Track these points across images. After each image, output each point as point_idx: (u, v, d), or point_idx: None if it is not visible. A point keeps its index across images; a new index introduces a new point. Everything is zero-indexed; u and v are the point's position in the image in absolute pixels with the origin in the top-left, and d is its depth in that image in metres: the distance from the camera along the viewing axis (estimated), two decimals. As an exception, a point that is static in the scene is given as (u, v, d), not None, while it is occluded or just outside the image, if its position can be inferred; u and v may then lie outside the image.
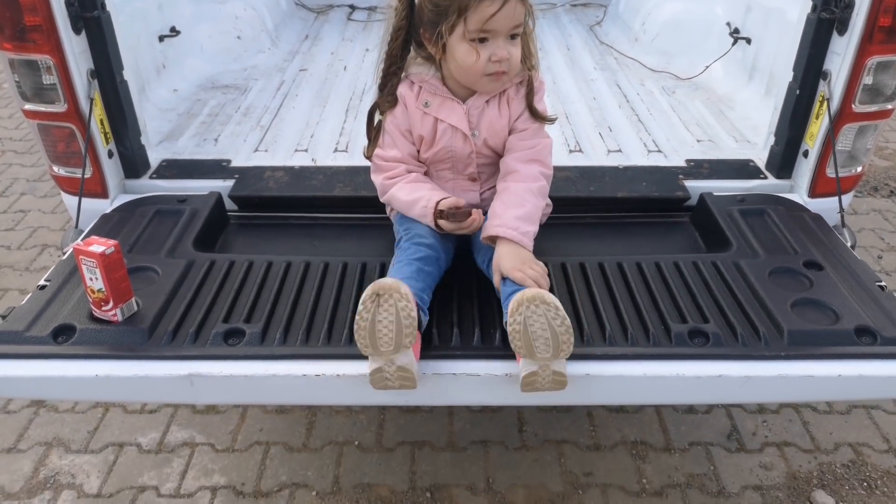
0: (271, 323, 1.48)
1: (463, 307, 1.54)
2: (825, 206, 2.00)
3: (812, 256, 1.69)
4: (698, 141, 2.33)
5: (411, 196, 1.59)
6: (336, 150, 2.27)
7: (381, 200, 1.69)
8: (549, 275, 1.45)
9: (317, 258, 1.72)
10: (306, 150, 2.27)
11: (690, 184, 2.06)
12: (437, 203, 1.55)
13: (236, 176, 2.09)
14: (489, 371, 1.38)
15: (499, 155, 1.66)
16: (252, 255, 1.75)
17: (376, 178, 1.67)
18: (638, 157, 2.24)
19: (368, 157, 1.70)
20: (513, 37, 1.47)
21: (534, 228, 1.53)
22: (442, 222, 1.54)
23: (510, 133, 1.63)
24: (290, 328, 1.46)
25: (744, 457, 2.16)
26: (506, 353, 1.40)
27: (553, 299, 1.26)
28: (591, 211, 2.03)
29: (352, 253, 1.83)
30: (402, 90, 1.61)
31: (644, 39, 3.09)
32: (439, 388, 1.38)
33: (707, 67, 2.79)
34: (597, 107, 2.61)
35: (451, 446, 2.19)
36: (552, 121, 1.65)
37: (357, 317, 1.27)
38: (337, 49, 3.26)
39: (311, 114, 2.55)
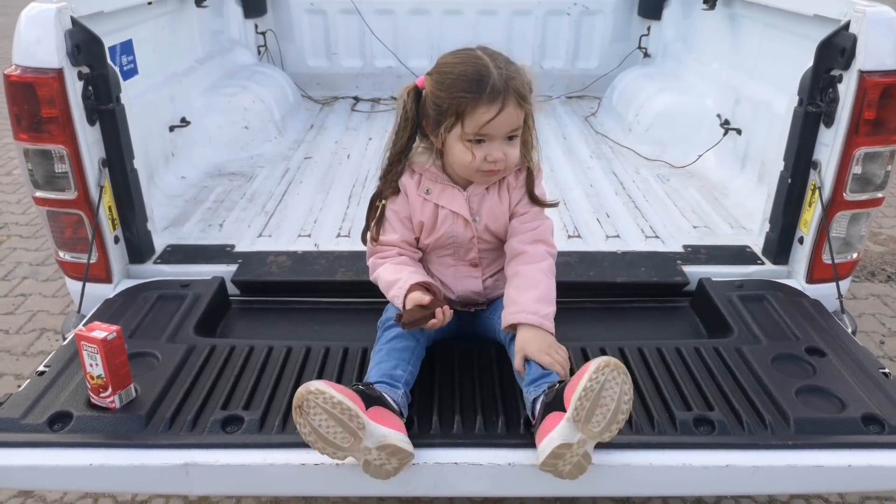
0: (270, 410, 1.46)
1: (465, 393, 1.53)
2: (824, 292, 2.01)
3: (814, 343, 1.69)
4: (694, 227, 2.38)
5: (392, 276, 1.61)
6: (339, 236, 2.31)
7: (371, 279, 1.71)
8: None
9: (318, 343, 1.72)
10: (309, 236, 2.31)
11: (689, 269, 2.08)
12: (409, 289, 1.55)
13: (239, 261, 2.11)
14: (492, 460, 1.35)
15: (500, 241, 1.69)
16: (253, 339, 1.75)
17: (369, 259, 1.71)
18: (636, 242, 2.27)
19: (364, 241, 1.74)
20: (510, 137, 1.52)
21: (552, 309, 1.55)
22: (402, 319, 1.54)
23: (511, 217, 1.67)
24: (289, 415, 1.44)
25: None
26: (508, 441, 1.38)
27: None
28: (592, 296, 2.04)
29: (353, 337, 1.82)
30: (404, 179, 1.66)
31: (638, 130, 3.19)
32: (439, 477, 1.35)
33: (700, 156, 2.87)
34: (594, 193, 2.67)
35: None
36: (553, 205, 1.69)
37: (303, 437, 1.27)
38: (341, 138, 3.37)
39: (314, 200, 2.61)
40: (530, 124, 1.58)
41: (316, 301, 2.03)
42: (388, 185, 1.66)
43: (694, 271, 2.08)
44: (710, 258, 2.15)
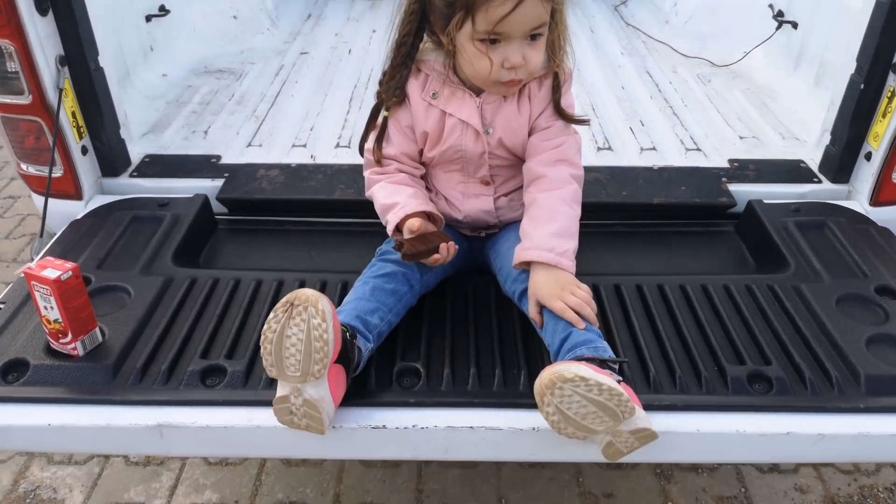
0: (257, 359, 1.26)
1: (481, 341, 1.32)
2: (888, 217, 1.76)
3: (885, 281, 1.45)
4: (741, 138, 2.09)
5: (388, 199, 1.38)
6: (338, 146, 2.04)
7: (366, 196, 1.48)
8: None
9: (313, 275, 1.51)
10: (305, 146, 2.04)
11: (735, 188, 1.83)
12: (406, 218, 1.33)
13: (226, 175, 1.87)
14: (513, 423, 1.16)
15: (517, 157, 1.43)
16: (240, 270, 1.54)
17: (365, 173, 1.48)
18: (674, 156, 2.00)
19: (361, 151, 1.50)
20: (533, 37, 1.24)
21: (572, 245, 1.31)
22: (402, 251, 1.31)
23: (531, 133, 1.40)
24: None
25: (777, 478, 1.95)
26: (532, 401, 1.19)
27: (575, 371, 1.03)
28: (623, 218, 1.80)
29: (353, 266, 1.59)
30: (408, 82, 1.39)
31: (675, 22, 2.82)
32: (452, 442, 1.17)
33: (746, 54, 2.53)
34: (626, 97, 2.37)
35: (461, 463, 1.98)
36: (584, 121, 1.42)
37: (265, 326, 1.07)
38: (341, 30, 3.01)
39: (311, 103, 2.32)
40: (558, 21, 1.29)
41: (312, 222, 1.80)
42: (392, 93, 1.39)
43: (741, 190, 1.82)
44: (759, 175, 1.88)
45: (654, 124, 2.17)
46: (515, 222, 1.49)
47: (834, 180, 1.85)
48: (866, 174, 1.78)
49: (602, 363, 1.09)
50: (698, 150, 2.02)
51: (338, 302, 1.38)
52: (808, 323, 1.35)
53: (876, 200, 1.77)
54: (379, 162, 1.44)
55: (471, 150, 1.40)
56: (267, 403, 1.14)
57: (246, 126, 2.16)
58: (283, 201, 1.79)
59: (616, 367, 1.12)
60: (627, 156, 2.01)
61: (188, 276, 1.48)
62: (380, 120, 1.43)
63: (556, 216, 1.32)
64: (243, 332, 1.33)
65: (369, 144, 1.45)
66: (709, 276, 1.53)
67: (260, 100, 2.33)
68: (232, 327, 1.34)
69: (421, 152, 1.45)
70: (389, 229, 1.36)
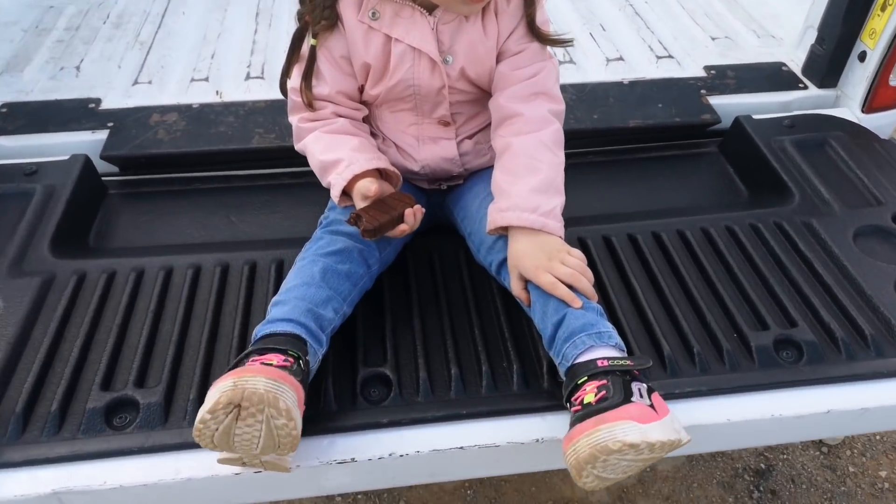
0: (178, 383, 0.99)
1: (458, 328, 1.08)
2: (880, 124, 1.59)
3: (902, 207, 1.29)
4: (712, 39, 1.85)
5: (328, 155, 1.09)
6: (248, 77, 1.67)
7: (297, 149, 1.17)
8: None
9: (238, 254, 1.21)
10: (206, 79, 1.67)
11: (716, 101, 1.60)
12: (354, 179, 1.05)
13: (110, 124, 1.50)
14: (512, 436, 0.94)
15: (484, 91, 1.15)
16: (141, 255, 1.22)
17: (292, 119, 1.16)
18: (645, 66, 1.74)
19: (283, 91, 1.17)
20: None
21: (559, 201, 1.06)
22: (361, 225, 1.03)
23: (499, 59, 1.12)
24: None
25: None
26: (532, 403, 0.97)
27: (621, 439, 0.78)
28: (596, 146, 1.56)
29: (286, 231, 1.33)
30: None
31: None
32: (438, 467, 0.95)
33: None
34: (579, -4, 2.06)
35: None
36: (565, 42, 1.14)
37: (198, 423, 0.80)
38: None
39: (208, 22, 1.90)
40: None
41: (228, 176, 1.48)
42: (319, 14, 1.06)
43: (722, 104, 1.60)
44: (739, 84, 1.66)
45: (616, 29, 1.89)
46: (483, 170, 1.22)
47: (821, 85, 1.64)
48: (859, 77, 1.57)
49: (624, 373, 0.86)
50: (670, 56, 1.76)
51: (274, 290, 1.11)
52: (827, 268, 1.17)
53: (869, 107, 1.58)
54: (309, 105, 1.12)
55: (426, 84, 1.10)
56: (194, 445, 0.88)
57: (129, 56, 1.75)
58: (187, 155, 1.45)
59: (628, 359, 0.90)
60: (593, 69, 1.73)
61: (74, 271, 1.16)
62: (305, 50, 1.10)
63: (537, 165, 1.06)
64: (155, 347, 1.04)
65: (294, 83, 1.13)
66: (707, 215, 1.31)
67: (143, 20, 1.90)
68: (139, 342, 1.04)
69: (362, 89, 1.15)
70: (335, 194, 1.07)
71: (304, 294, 0.98)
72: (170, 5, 1.97)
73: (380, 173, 1.09)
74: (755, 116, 1.52)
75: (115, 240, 1.33)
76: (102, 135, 1.48)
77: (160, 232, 1.35)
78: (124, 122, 1.51)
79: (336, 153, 1.08)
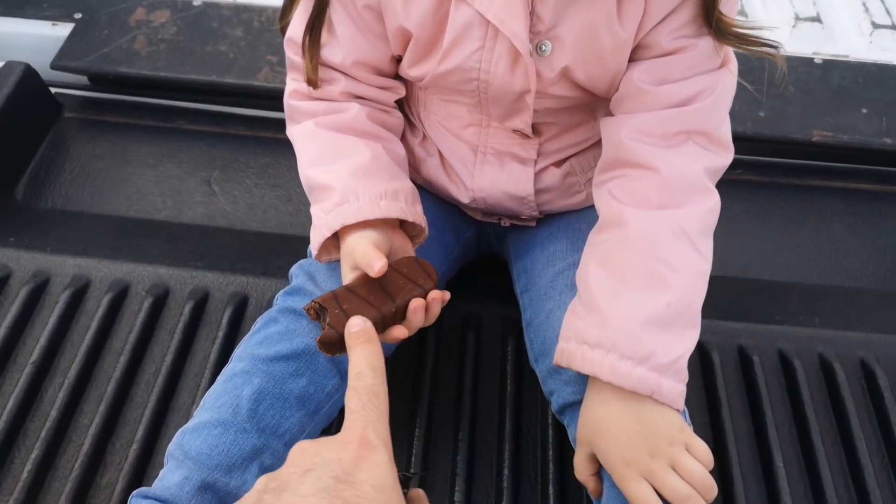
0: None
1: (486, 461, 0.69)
2: None
3: None
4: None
5: (316, 171, 0.66)
6: (278, -32, 1.20)
7: (287, 134, 0.73)
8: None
9: (188, 273, 0.82)
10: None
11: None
12: (346, 230, 0.62)
13: (77, 16, 1.09)
14: None
15: (593, 95, 0.67)
16: (65, 239, 0.85)
17: (287, 95, 0.71)
18: (851, 35, 1.17)
19: (282, 31, 0.71)
20: None
21: (691, 341, 0.60)
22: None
23: (634, 57, 0.63)
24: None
25: None
26: None
27: None
28: (750, 153, 1.06)
29: (280, 224, 0.95)
30: None
31: None
32: None
33: None
34: None
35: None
36: (767, 47, 0.63)
37: None
38: None
39: None
40: None
41: (224, 115, 1.08)
42: None
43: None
44: None
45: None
46: (570, 213, 0.77)
47: None
48: None
49: None
50: (893, 27, 1.18)
51: (225, 348, 0.73)
52: None
53: None
54: (312, 80, 0.68)
55: (499, 82, 0.63)
56: None
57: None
58: (165, 82, 1.04)
59: None
60: (769, 28, 1.17)
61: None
62: None
63: (664, 275, 0.59)
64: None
65: (294, 31, 0.68)
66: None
67: None
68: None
69: (399, 61, 0.69)
70: (314, 242, 0.65)
71: (212, 448, 0.58)
72: None
73: (398, 226, 0.66)
74: None
75: (49, 198, 0.96)
76: (64, 30, 1.07)
77: (113, 194, 0.98)
78: (97, 15, 1.09)
79: (329, 173, 0.65)
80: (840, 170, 1.06)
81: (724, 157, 0.65)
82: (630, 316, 0.59)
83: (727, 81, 0.64)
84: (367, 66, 0.68)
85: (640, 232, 0.61)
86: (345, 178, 0.64)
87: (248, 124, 1.07)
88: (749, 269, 0.95)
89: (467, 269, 0.84)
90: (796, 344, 0.80)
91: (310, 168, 0.67)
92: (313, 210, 0.66)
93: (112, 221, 0.93)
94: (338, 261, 0.65)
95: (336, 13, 0.65)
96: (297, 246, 0.79)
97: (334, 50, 0.66)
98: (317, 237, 0.64)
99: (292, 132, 0.71)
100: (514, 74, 0.62)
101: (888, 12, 1.20)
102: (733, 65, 0.65)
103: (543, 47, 0.61)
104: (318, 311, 0.58)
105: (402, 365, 0.75)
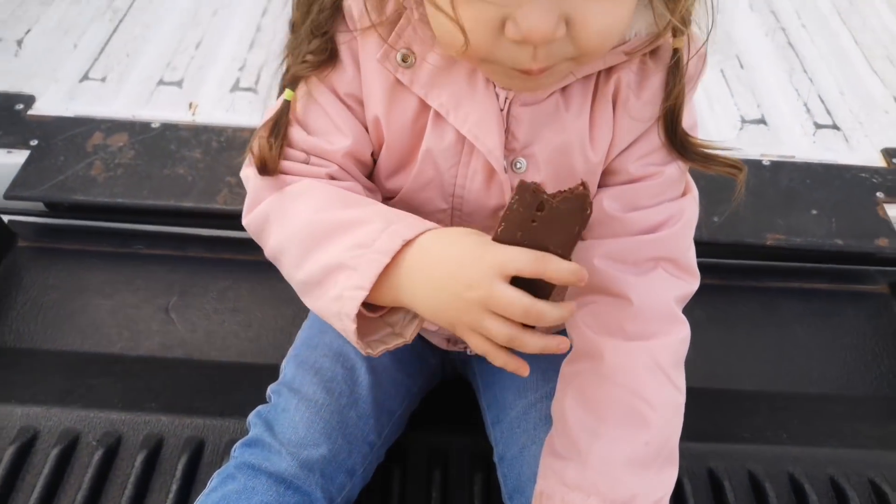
0: None
1: None
2: None
3: None
4: (896, 99, 1.30)
5: (334, 213, 0.56)
6: (236, 87, 1.21)
7: (249, 232, 0.64)
8: None
9: (141, 417, 0.79)
10: (180, 83, 1.21)
11: (896, 211, 1.09)
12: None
13: (34, 142, 1.08)
14: None
15: None
16: (32, 396, 0.82)
17: (246, 173, 0.63)
18: (796, 136, 1.21)
19: (263, 166, 0.63)
20: None
21: (670, 480, 0.60)
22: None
23: (605, 181, 0.64)
24: None
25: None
26: None
27: None
28: (708, 255, 1.07)
29: (241, 352, 0.93)
30: (348, 11, 0.58)
31: None
32: None
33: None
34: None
35: None
36: (732, 167, 0.64)
37: None
38: None
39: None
40: None
41: (183, 236, 1.06)
42: (319, 46, 0.59)
43: (904, 218, 1.08)
44: (935, 188, 1.13)
45: (758, 67, 1.34)
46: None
47: None
48: None
49: None
50: (834, 127, 1.23)
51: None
52: None
53: None
54: (271, 168, 0.63)
55: (474, 198, 0.63)
56: None
57: (92, 31, 1.30)
58: (123, 208, 1.03)
59: None
60: (718, 130, 1.22)
61: None
62: (277, 103, 0.63)
63: (643, 411, 0.58)
64: None
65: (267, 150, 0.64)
66: (873, 428, 0.84)
67: (128, -25, 1.44)
68: None
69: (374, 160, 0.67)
70: (352, 306, 0.52)
71: None
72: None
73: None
74: (964, 261, 1.01)
75: (1, 336, 0.93)
76: (20, 157, 1.06)
77: (66, 327, 0.95)
78: (54, 140, 1.09)
79: (355, 210, 0.56)
80: (796, 270, 1.08)
81: (692, 283, 0.65)
82: (610, 456, 0.58)
83: (691, 209, 0.65)
84: (352, 156, 0.63)
85: (616, 365, 0.60)
86: (378, 210, 0.57)
87: (208, 246, 1.06)
88: (715, 379, 0.95)
89: (431, 395, 0.82)
90: (765, 464, 0.79)
91: (321, 212, 0.56)
92: (333, 254, 0.54)
93: (64, 358, 0.90)
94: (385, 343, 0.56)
95: (320, 102, 0.61)
96: (256, 376, 0.77)
97: (316, 139, 0.61)
98: (368, 276, 0.51)
99: (267, 207, 0.60)
100: (490, 190, 0.62)
101: (829, 112, 1.25)
102: (695, 192, 0.66)
103: (518, 164, 0.61)
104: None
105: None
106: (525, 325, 0.50)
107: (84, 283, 1.00)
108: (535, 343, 0.50)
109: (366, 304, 0.52)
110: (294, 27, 0.61)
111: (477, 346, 0.51)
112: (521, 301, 0.47)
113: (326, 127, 0.61)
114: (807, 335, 1.01)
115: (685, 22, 0.56)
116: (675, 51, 0.58)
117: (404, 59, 0.57)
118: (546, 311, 0.48)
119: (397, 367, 0.70)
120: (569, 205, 0.47)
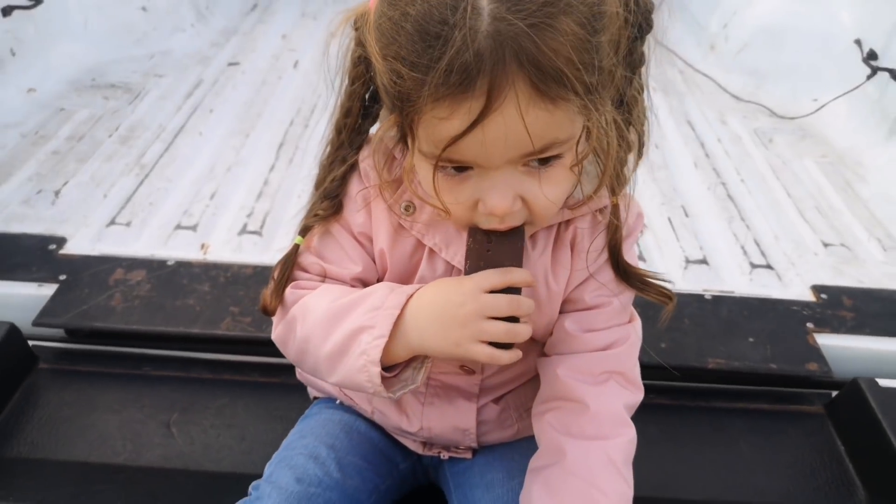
0: None
1: None
2: None
3: None
4: (824, 245, 1.47)
5: (348, 297, 0.71)
6: (244, 231, 1.40)
7: (277, 342, 0.79)
8: None
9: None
10: (195, 228, 1.40)
11: (827, 341, 1.22)
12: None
13: (62, 277, 1.24)
14: None
15: (533, 340, 0.80)
16: (40, 501, 0.91)
17: (278, 327, 0.78)
18: (735, 274, 1.38)
19: (268, 310, 0.80)
20: (544, 160, 0.61)
21: None
22: None
23: (564, 309, 0.78)
24: None
25: None
26: None
27: None
28: (658, 378, 1.19)
29: (236, 464, 1.01)
30: (356, 183, 0.76)
31: (724, 50, 2.18)
32: None
33: (822, 105, 1.90)
34: (661, 164, 1.73)
35: None
36: (664, 297, 0.78)
37: None
38: (291, 31, 2.34)
39: (224, 148, 1.66)
40: (608, 118, 0.65)
41: (187, 361, 1.18)
42: (328, 206, 0.76)
43: (836, 347, 1.21)
44: (859, 319, 1.27)
45: (701, 215, 1.54)
46: (502, 445, 0.87)
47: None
48: None
49: None
50: (768, 267, 1.40)
51: None
52: None
53: None
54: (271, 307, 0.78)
55: None
56: None
57: (121, 184, 1.51)
58: (137, 335, 1.16)
59: None
60: (665, 268, 1.38)
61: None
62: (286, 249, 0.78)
63: (595, 499, 0.70)
64: None
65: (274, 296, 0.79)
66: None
67: (155, 137, 1.68)
68: None
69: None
70: (374, 354, 0.65)
71: None
72: (189, 122, 1.75)
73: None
74: (882, 383, 1.13)
75: (15, 447, 1.03)
76: (49, 290, 1.21)
77: (77, 440, 1.04)
78: (80, 276, 1.24)
79: (362, 291, 0.71)
80: (740, 392, 1.19)
81: (637, 394, 0.78)
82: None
83: (636, 333, 0.80)
84: (361, 282, 0.78)
85: (577, 461, 0.72)
86: (380, 285, 0.71)
87: (211, 368, 1.18)
88: (667, 489, 1.03)
89: (405, 501, 0.91)
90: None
91: (337, 300, 0.70)
92: (353, 322, 0.68)
93: (73, 467, 0.99)
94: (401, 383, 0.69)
95: (340, 242, 0.77)
96: (248, 484, 0.86)
97: (340, 267, 0.76)
98: (384, 326, 0.65)
99: (293, 311, 0.74)
100: None
101: (763, 254, 1.42)
102: (638, 321, 0.81)
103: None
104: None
105: None
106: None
107: (96, 401, 1.11)
108: (526, 330, 0.65)
109: (382, 367, 0.66)
110: (316, 185, 0.79)
111: (483, 354, 0.64)
112: (504, 297, 0.64)
113: (340, 257, 0.77)
114: (751, 451, 1.10)
115: (617, 186, 0.73)
116: (615, 206, 0.75)
117: (406, 209, 0.74)
118: (523, 301, 0.65)
119: (366, 466, 0.81)
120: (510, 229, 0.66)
